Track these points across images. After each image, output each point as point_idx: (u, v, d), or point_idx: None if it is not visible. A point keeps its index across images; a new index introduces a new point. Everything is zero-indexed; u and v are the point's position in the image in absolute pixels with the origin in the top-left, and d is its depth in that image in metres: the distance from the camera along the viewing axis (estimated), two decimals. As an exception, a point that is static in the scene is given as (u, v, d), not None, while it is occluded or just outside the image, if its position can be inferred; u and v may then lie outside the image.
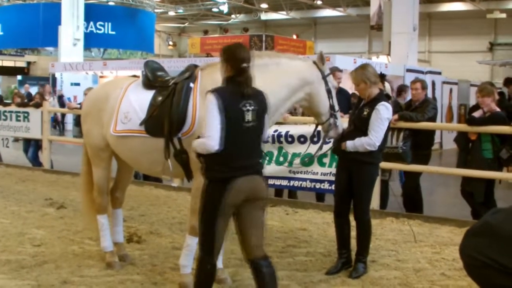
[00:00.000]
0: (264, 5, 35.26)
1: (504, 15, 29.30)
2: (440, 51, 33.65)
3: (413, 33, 18.58)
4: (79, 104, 11.83)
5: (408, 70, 16.48)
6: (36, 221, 6.94)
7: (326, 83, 4.77)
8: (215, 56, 20.05)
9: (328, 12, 35.97)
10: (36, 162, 11.45)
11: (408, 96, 8.86)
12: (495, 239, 2.50)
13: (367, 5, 26.37)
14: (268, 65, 4.65)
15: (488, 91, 6.86)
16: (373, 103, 5.04)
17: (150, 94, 4.82)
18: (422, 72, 16.83)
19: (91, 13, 25.80)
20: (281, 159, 7.85)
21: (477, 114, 7.00)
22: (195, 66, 4.85)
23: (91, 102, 5.32)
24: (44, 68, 29.72)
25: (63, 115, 20.91)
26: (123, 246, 5.55)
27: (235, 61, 3.75)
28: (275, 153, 7.95)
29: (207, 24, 40.00)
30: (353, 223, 5.21)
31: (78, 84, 22.69)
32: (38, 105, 11.28)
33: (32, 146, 11.50)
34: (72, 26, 22.97)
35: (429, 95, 12.58)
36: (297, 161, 7.40)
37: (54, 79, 22.92)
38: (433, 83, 16.87)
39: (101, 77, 22.17)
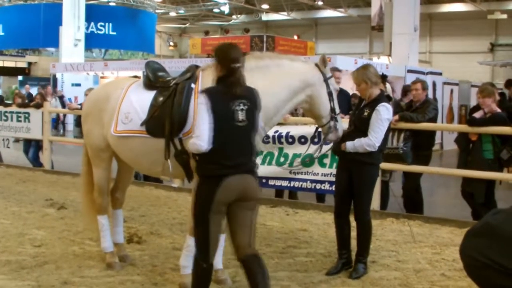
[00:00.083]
0: (265, 6, 35.26)
1: (505, 16, 29.29)
2: (441, 52, 33.65)
3: (414, 33, 18.59)
4: (80, 104, 11.84)
5: (409, 71, 16.49)
6: (37, 221, 6.95)
7: (327, 85, 4.77)
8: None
9: (329, 13, 35.97)
10: (36, 162, 11.47)
11: None
12: (495, 240, 2.50)
13: (368, 5, 26.39)
14: (270, 66, 4.66)
15: (489, 92, 6.86)
16: (373, 103, 5.04)
17: (151, 94, 4.82)
18: (423, 73, 16.83)
19: (92, 14, 25.83)
20: (282, 159, 7.84)
21: (477, 114, 7.00)
22: (196, 67, 4.85)
23: (92, 103, 5.32)
24: (45, 69, 29.75)
25: (64, 116, 20.93)
26: (124, 247, 5.55)
27: (226, 61, 3.79)
28: (276, 153, 7.95)
29: (208, 24, 39.99)
30: (353, 223, 5.21)
31: (79, 85, 22.69)
32: (38, 106, 11.29)
33: (33, 147, 11.52)
34: (73, 27, 23.00)
35: (430, 95, 12.57)
36: (297, 161, 7.40)
37: (55, 79, 22.94)
38: (434, 84, 16.88)
39: (102, 77, 22.18)
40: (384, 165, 6.73)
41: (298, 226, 6.95)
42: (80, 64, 21.08)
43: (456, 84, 19.10)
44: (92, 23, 26.98)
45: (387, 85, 5.51)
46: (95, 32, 27.48)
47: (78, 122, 13.22)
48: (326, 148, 5.70)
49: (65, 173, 10.66)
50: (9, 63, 38.37)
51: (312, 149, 6.36)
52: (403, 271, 5.23)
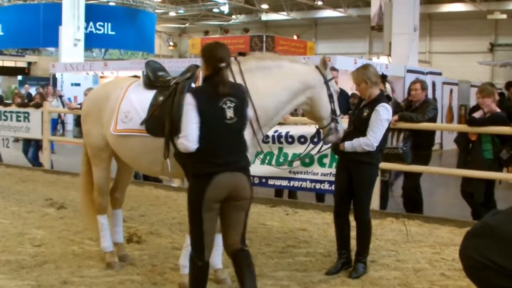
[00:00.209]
0: (264, 6, 35.25)
1: (504, 16, 29.29)
2: (440, 52, 33.65)
3: (413, 33, 18.58)
4: (79, 104, 11.84)
5: (409, 71, 16.48)
6: (36, 221, 6.94)
7: (328, 87, 4.77)
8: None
9: (328, 13, 35.97)
10: (36, 162, 11.47)
11: None
12: (495, 241, 2.49)
13: (367, 5, 26.36)
14: (271, 67, 4.67)
15: (489, 92, 6.87)
16: (373, 103, 5.04)
17: (151, 94, 4.82)
18: (422, 73, 16.83)
19: (91, 14, 25.79)
20: (281, 159, 7.85)
21: (477, 114, 7.00)
22: (196, 67, 4.85)
23: (91, 102, 5.32)
24: (45, 69, 29.73)
25: (61, 115, 20.89)
26: (123, 247, 5.55)
27: (213, 61, 3.82)
28: (275, 153, 7.95)
29: (208, 24, 39.99)
30: (353, 223, 5.21)
31: (78, 85, 22.68)
32: (38, 106, 11.29)
33: (33, 147, 11.52)
34: (72, 27, 22.98)
35: (430, 95, 12.57)
36: (297, 161, 7.41)
37: (55, 79, 22.93)
38: (434, 84, 16.87)
39: (101, 77, 22.16)
40: (383, 165, 6.73)
41: (297, 225, 6.95)
42: (79, 64, 21.05)
43: (456, 84, 19.09)
44: (91, 23, 26.95)
45: (387, 85, 5.51)
46: (94, 32, 27.46)
47: (77, 121, 13.23)
48: (325, 147, 5.71)
49: (64, 173, 10.66)
50: (8, 62, 38.36)
51: (310, 148, 6.35)
52: (402, 270, 5.24)
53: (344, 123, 5.16)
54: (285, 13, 36.06)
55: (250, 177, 3.91)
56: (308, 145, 5.60)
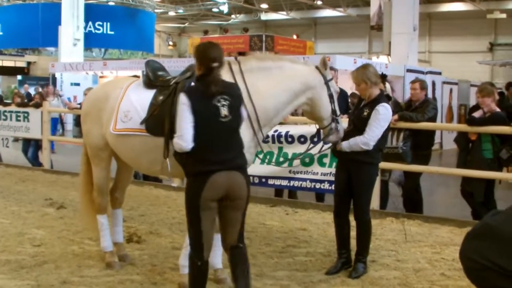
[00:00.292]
0: (264, 5, 35.26)
1: (504, 15, 29.30)
2: (440, 51, 33.66)
3: (413, 33, 18.58)
4: (79, 104, 11.84)
5: (408, 70, 16.48)
6: (36, 221, 6.94)
7: (328, 88, 4.78)
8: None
9: (328, 12, 35.97)
10: (36, 162, 11.46)
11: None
12: (494, 241, 2.49)
13: (367, 5, 26.35)
14: (271, 68, 4.67)
15: (488, 91, 6.86)
16: (373, 103, 5.04)
17: (151, 93, 4.82)
18: (422, 72, 16.82)
19: (90, 13, 25.77)
20: (281, 159, 7.84)
21: (477, 114, 7.00)
22: (196, 66, 4.85)
23: (91, 102, 5.32)
24: (44, 68, 29.70)
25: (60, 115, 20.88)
26: (123, 246, 5.55)
27: (205, 60, 3.85)
28: (275, 153, 7.95)
29: (207, 24, 39.98)
30: (353, 223, 5.21)
31: (78, 84, 22.67)
32: (38, 105, 11.28)
33: (32, 146, 11.52)
34: (72, 26, 22.98)
35: (429, 95, 12.56)
36: (297, 160, 7.40)
37: (54, 79, 22.92)
38: (433, 83, 16.87)
39: (101, 77, 22.15)
40: (383, 165, 6.73)
41: (297, 225, 6.94)
42: (79, 63, 21.04)
43: (456, 84, 19.09)
44: (90, 23, 26.94)
45: (387, 84, 5.51)
46: (93, 31, 27.44)
47: (77, 121, 13.22)
48: (326, 147, 5.70)
49: (64, 173, 10.66)
50: (8, 62, 38.37)
51: (311, 147, 6.35)
52: (402, 270, 5.23)
53: (344, 122, 5.16)
54: (284, 12, 36.08)
55: (247, 176, 3.92)
56: (309, 145, 5.60)
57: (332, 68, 8.47)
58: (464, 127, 7.28)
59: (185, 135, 3.74)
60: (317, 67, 4.82)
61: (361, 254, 5.14)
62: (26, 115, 11.33)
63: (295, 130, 7.87)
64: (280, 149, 7.93)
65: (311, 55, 21.28)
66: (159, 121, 4.60)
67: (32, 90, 22.89)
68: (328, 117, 4.80)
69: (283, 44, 25.15)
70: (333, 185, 6.07)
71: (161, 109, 4.63)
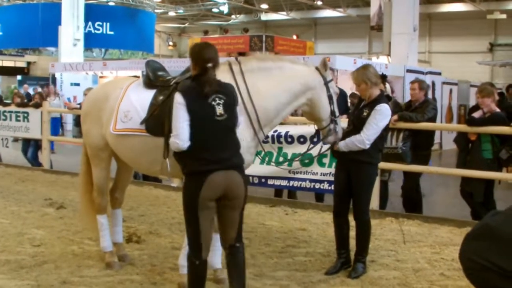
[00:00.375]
0: (264, 6, 35.24)
1: (504, 16, 29.29)
2: (440, 52, 33.64)
3: (413, 33, 18.58)
4: (79, 104, 11.84)
5: (408, 71, 16.47)
6: (36, 221, 6.94)
7: (327, 89, 4.79)
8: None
9: (328, 13, 35.96)
10: (35, 162, 11.46)
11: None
12: (494, 242, 2.49)
13: (367, 5, 26.35)
14: (272, 69, 4.68)
15: (488, 92, 6.87)
16: (373, 104, 5.05)
17: (151, 93, 4.82)
18: (422, 73, 16.81)
19: (90, 13, 25.74)
20: (281, 159, 7.84)
21: (477, 114, 7.01)
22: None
23: (91, 102, 5.32)
24: (44, 68, 29.70)
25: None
26: (123, 246, 5.55)
27: (200, 61, 3.87)
28: (275, 153, 7.94)
29: (207, 24, 39.96)
30: (352, 223, 5.21)
31: (78, 84, 22.65)
32: (37, 105, 11.29)
33: (32, 146, 11.52)
34: (72, 26, 22.97)
35: (429, 95, 12.55)
36: (296, 161, 7.40)
37: (54, 79, 22.91)
38: (433, 84, 16.85)
39: (101, 77, 22.13)
40: (383, 165, 6.73)
41: (297, 225, 6.95)
42: (79, 63, 21.02)
43: (455, 84, 19.08)
44: (90, 23, 26.90)
45: (387, 85, 5.51)
46: (93, 31, 27.41)
47: (77, 121, 13.23)
48: (325, 147, 5.71)
49: (64, 173, 10.66)
50: (8, 62, 38.38)
51: (311, 147, 6.36)
52: (402, 270, 5.24)
53: (343, 122, 5.16)
54: (284, 13, 36.06)
55: (245, 175, 3.93)
56: (309, 145, 5.60)
57: (330, 69, 8.49)
58: (463, 127, 7.28)
59: (181, 134, 3.76)
60: (317, 68, 4.82)
61: (361, 254, 5.14)
62: (25, 115, 11.33)
63: (295, 130, 7.87)
64: (280, 149, 7.93)
65: (311, 56, 21.27)
66: (159, 121, 4.60)
67: (31, 90, 22.88)
68: (327, 118, 4.81)
69: (283, 44, 25.12)
70: (332, 185, 6.06)
71: (161, 109, 4.63)
